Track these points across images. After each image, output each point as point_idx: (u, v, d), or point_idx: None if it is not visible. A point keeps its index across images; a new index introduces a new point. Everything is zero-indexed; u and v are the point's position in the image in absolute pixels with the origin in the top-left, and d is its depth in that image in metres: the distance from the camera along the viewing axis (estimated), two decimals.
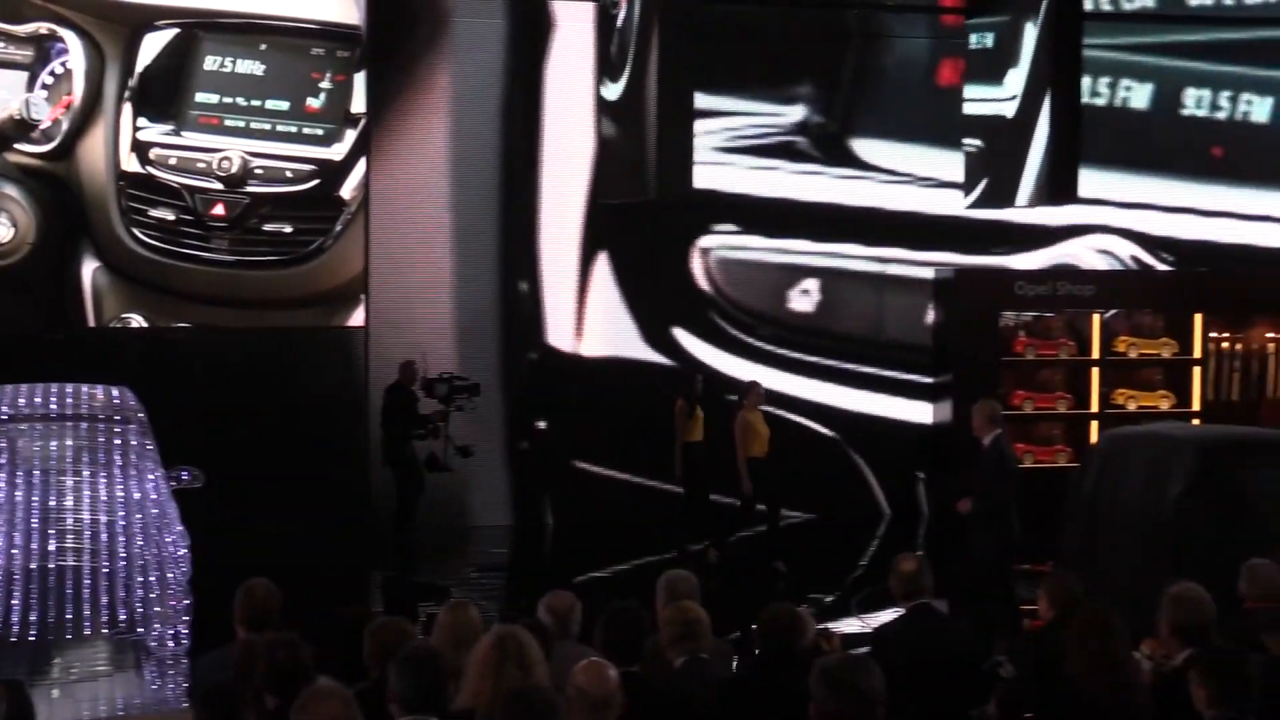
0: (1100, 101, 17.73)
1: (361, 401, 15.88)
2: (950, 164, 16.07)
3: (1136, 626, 7.11)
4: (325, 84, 15.57)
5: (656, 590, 7.18)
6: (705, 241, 17.11)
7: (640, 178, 13.60)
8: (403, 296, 16.20)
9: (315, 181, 15.54)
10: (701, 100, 16.66)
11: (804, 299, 17.34)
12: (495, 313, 16.61)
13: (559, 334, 16.76)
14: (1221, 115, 17.95)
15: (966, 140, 14.32)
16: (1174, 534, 10.98)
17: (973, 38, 14.07)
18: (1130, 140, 17.80)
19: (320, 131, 15.55)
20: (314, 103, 15.54)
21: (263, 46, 15.41)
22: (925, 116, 17.15)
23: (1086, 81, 17.45)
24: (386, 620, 6.27)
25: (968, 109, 14.35)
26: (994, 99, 13.46)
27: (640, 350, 16.80)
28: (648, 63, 12.80)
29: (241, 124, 15.37)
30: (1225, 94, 17.95)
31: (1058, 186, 12.21)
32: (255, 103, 15.39)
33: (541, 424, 16.22)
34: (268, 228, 15.42)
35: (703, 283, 17.12)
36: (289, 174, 15.46)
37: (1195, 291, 17.27)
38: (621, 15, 13.59)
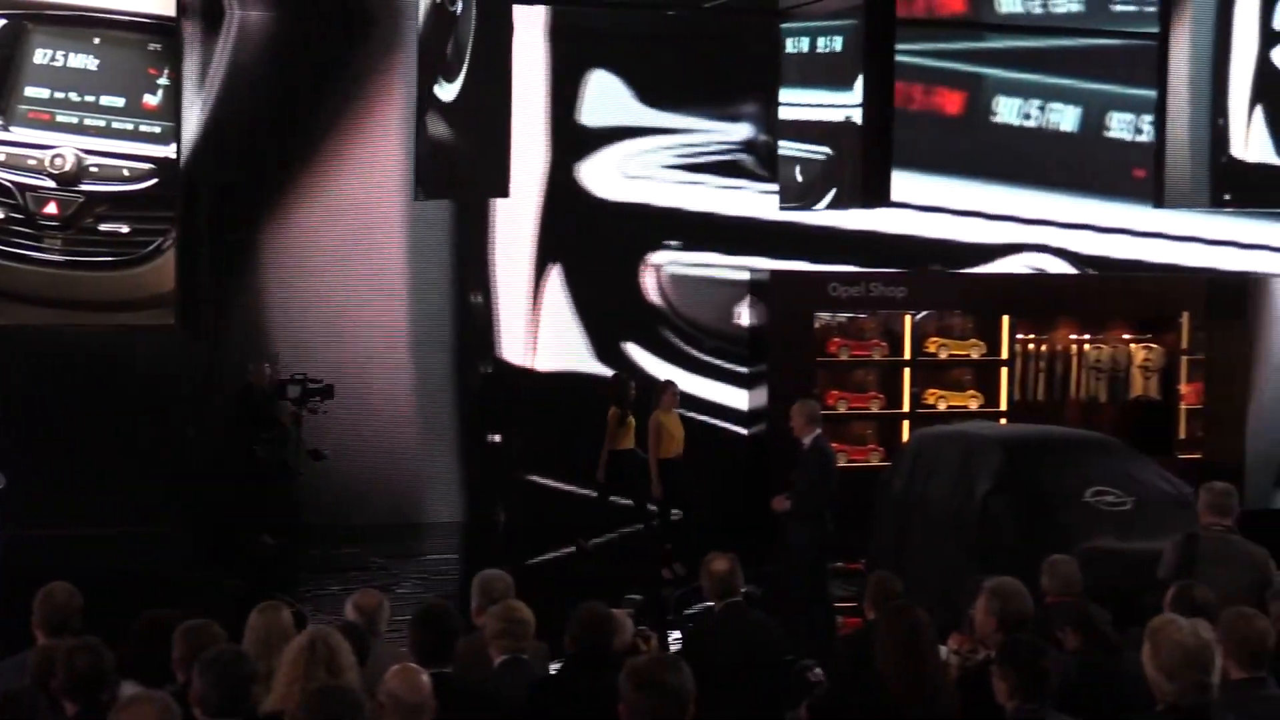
0: (1031, 124, 18.09)
1: (177, 403, 15.63)
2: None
3: (945, 622, 7.26)
4: (163, 80, 15.24)
5: (471, 590, 7.16)
6: (656, 257, 17.21)
7: (466, 178, 13.55)
8: (351, 309, 16.19)
9: (153, 180, 15.21)
10: (649, 117, 17.05)
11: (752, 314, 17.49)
12: (449, 324, 16.58)
13: (512, 347, 16.77)
14: (1144, 138, 18.34)
15: (811, 146, 14.34)
16: (981, 530, 11.24)
17: (819, 41, 14.11)
18: (1060, 161, 18.12)
19: (158, 129, 15.20)
20: (151, 99, 15.19)
21: (96, 40, 15.00)
22: None
23: (1017, 103, 17.93)
24: (196, 623, 6.15)
25: (791, 114, 14.43)
26: (842, 104, 13.54)
27: (591, 364, 16.71)
28: (484, 63, 12.71)
29: (75, 120, 14.97)
30: (1148, 118, 18.37)
31: (871, 191, 12.37)
32: (89, 98, 14.98)
33: (495, 437, 16.11)
34: (104, 227, 15.05)
35: (654, 297, 17.23)
36: (126, 172, 15.10)
37: (1003, 294, 17.68)
38: (459, 10, 13.47)
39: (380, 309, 16.31)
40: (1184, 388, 17.94)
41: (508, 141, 12.64)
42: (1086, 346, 17.84)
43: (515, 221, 16.69)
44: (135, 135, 15.11)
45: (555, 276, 16.89)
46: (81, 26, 14.97)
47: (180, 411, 15.66)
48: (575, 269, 16.91)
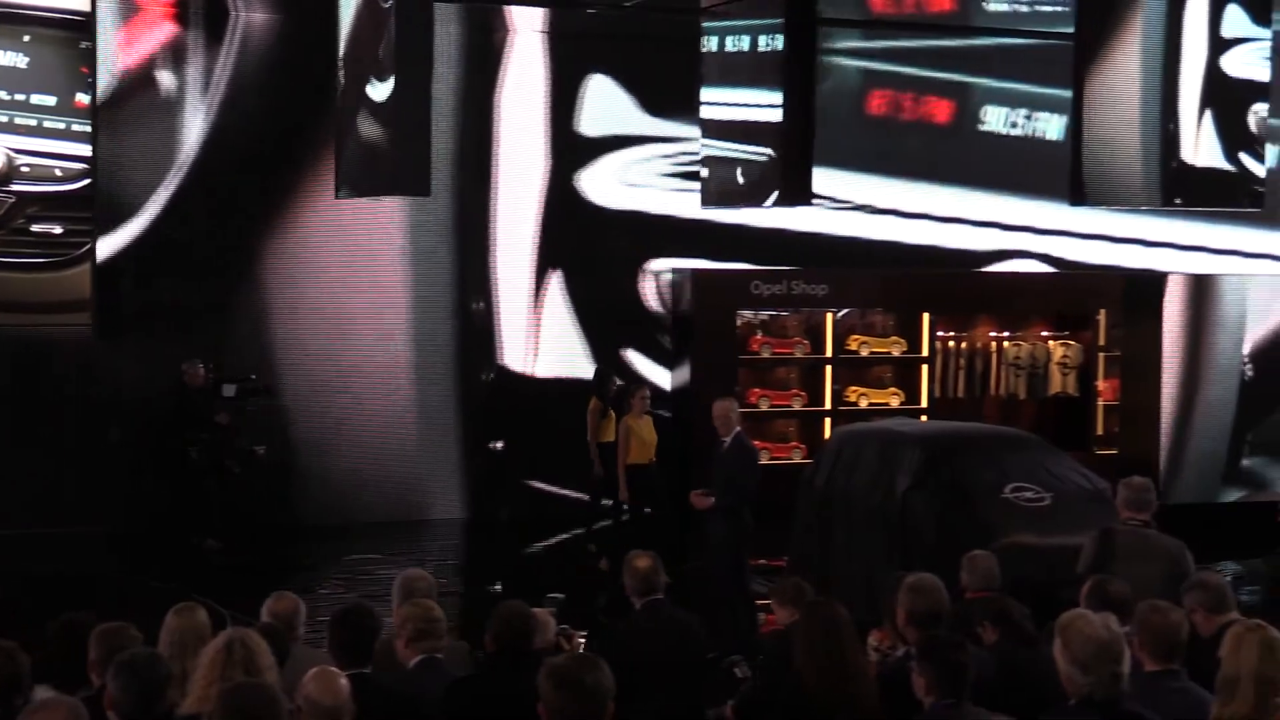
0: (1018, 132, 18.19)
1: (98, 405, 15.46)
2: (880, 190, 16.90)
3: (868, 619, 7.31)
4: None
5: (393, 589, 7.14)
6: (655, 264, 17.26)
7: (398, 177, 13.51)
8: (352, 315, 16.16)
9: (87, 180, 15.01)
10: (649, 125, 17.15)
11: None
12: (450, 331, 16.60)
13: (512, 353, 16.79)
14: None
15: (753, 147, 14.33)
16: (901, 527, 11.31)
17: (760, 40, 14.07)
18: (1044, 169, 18.18)
19: (91, 128, 15.00)
20: (84, 98, 15.01)
21: (26, 38, 14.82)
22: (856, 144, 17.31)
23: (1003, 112, 18.07)
24: (112, 625, 6.08)
25: (730, 114, 14.41)
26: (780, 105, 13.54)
27: (591, 370, 16.42)
28: (413, 63, 12.66)
29: (4, 119, 14.79)
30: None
31: (792, 190, 12.40)
32: (19, 97, 14.81)
33: (498, 444, 16.03)
34: (36, 228, 14.87)
35: (653, 303, 17.30)
36: (58, 172, 14.93)
37: (923, 292, 17.79)
38: (390, 5, 13.39)
39: (382, 315, 16.29)
40: (1101, 384, 18.13)
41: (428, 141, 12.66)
42: (1006, 344, 17.98)
43: (516, 228, 16.75)
44: (67, 135, 14.95)
45: (555, 283, 16.93)
46: (10, 24, 14.80)
47: (104, 414, 15.48)
48: (575, 275, 16.97)
